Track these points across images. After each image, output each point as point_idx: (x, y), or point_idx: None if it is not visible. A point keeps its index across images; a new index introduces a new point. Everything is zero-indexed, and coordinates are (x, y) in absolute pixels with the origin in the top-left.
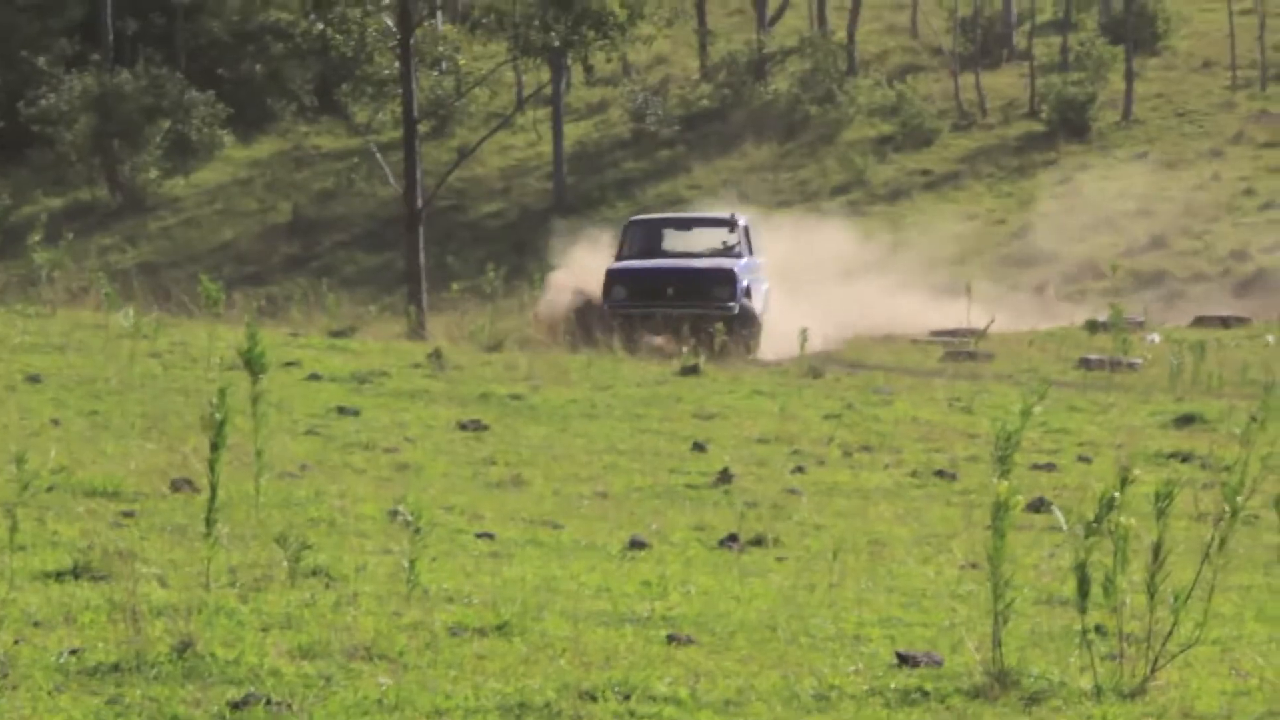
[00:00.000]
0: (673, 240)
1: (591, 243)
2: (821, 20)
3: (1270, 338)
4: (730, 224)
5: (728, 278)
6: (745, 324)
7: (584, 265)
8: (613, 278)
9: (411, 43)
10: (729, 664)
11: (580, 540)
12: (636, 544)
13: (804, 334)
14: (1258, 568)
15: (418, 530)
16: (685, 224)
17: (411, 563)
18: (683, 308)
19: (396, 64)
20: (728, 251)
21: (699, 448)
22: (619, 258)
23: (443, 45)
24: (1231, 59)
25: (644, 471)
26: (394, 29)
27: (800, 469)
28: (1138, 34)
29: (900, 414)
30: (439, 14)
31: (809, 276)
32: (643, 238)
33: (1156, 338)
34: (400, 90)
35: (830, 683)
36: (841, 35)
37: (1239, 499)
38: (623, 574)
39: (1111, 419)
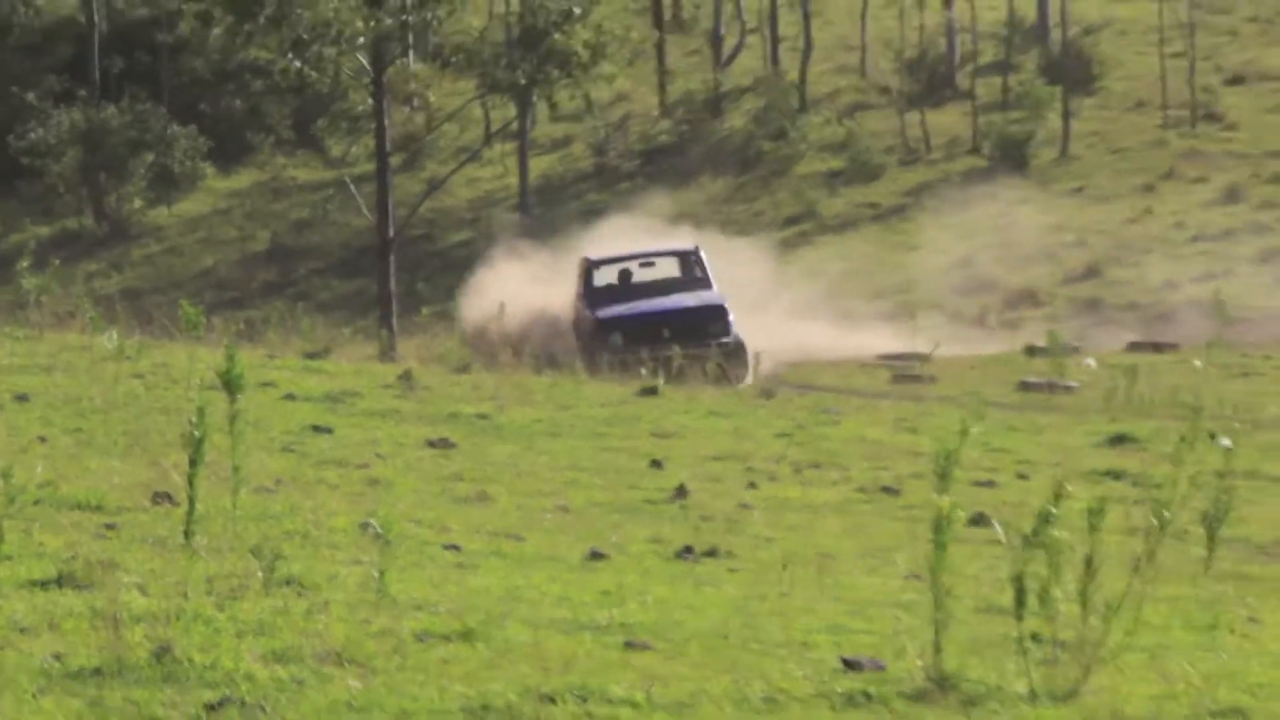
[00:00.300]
0: (639, 274)
1: (521, 259)
2: (775, 60)
3: (1198, 362)
4: (694, 255)
5: (720, 313)
6: (738, 354)
7: (507, 283)
8: (608, 325)
9: (384, 80)
10: (683, 669)
11: (542, 552)
12: (596, 555)
13: (758, 357)
14: (1185, 579)
15: (387, 542)
16: (648, 258)
17: (381, 573)
18: (684, 347)
19: (370, 100)
20: (697, 283)
21: (657, 465)
22: (586, 296)
23: (414, 83)
24: (1163, 99)
25: (604, 487)
26: (368, 67)
27: (753, 485)
28: (1075, 75)
29: (848, 433)
30: (411, 53)
31: (763, 303)
32: (609, 276)
33: (1092, 362)
34: (373, 125)
35: (779, 687)
36: (794, 75)
37: (1168, 514)
38: (582, 584)
39: (1048, 439)
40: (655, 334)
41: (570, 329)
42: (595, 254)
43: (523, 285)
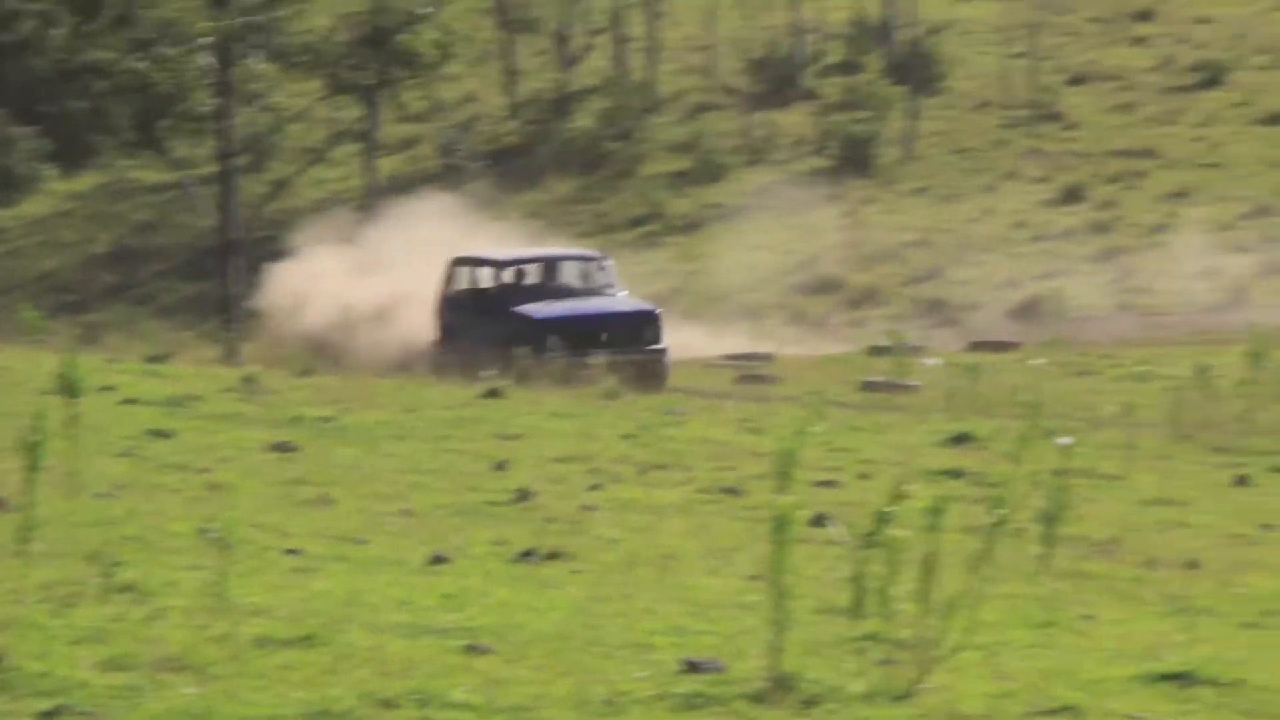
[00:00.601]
0: (544, 278)
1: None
2: (622, 61)
3: (1037, 361)
4: (600, 261)
5: (654, 319)
6: (666, 361)
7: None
8: (544, 327)
9: (229, 80)
10: (524, 672)
11: (384, 555)
12: (438, 559)
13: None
14: (1023, 578)
15: (227, 547)
16: (553, 262)
17: (220, 578)
18: (618, 352)
19: (215, 101)
20: (607, 288)
21: (501, 467)
22: (493, 297)
23: (260, 83)
24: (1006, 99)
25: (448, 490)
26: (213, 67)
27: (597, 486)
28: (919, 75)
29: (692, 434)
30: (256, 53)
31: None
32: (519, 278)
33: (934, 361)
34: (218, 126)
35: (620, 689)
36: (641, 75)
37: (1005, 513)
38: (424, 587)
39: (890, 438)
40: (594, 339)
41: (448, 326)
42: (497, 253)
43: (333, 281)
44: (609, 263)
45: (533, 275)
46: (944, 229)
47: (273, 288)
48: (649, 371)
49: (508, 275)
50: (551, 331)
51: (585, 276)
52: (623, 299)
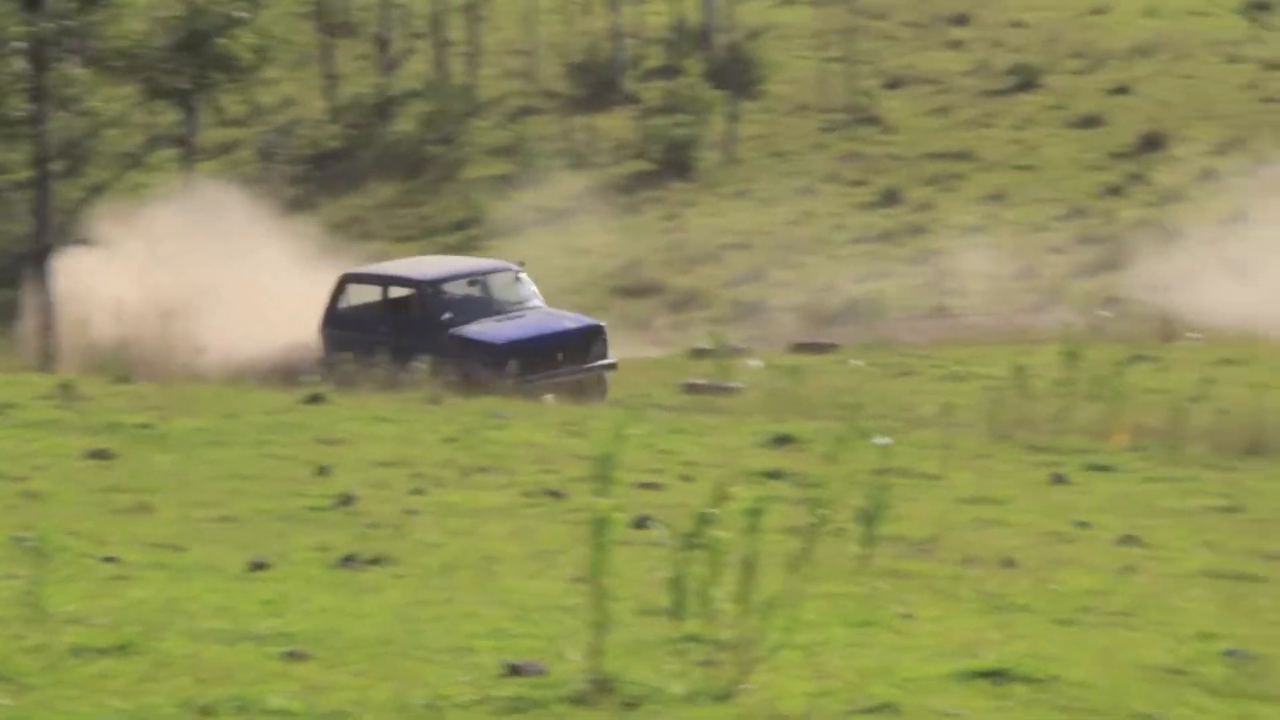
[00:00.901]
0: (475, 292)
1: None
2: (443, 65)
3: (857, 362)
4: (518, 273)
5: (601, 334)
6: (609, 375)
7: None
8: (507, 351)
9: (44, 85)
10: (344, 677)
11: (203, 562)
12: (258, 565)
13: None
14: (842, 577)
15: (42, 555)
16: (477, 275)
17: (36, 586)
18: (576, 370)
19: (30, 105)
20: (532, 300)
21: (323, 472)
22: (423, 316)
23: (75, 87)
24: (824, 103)
25: (268, 495)
26: (27, 71)
27: (419, 490)
28: (738, 79)
29: (515, 437)
30: (72, 57)
31: None
32: (447, 296)
33: (756, 363)
34: (33, 131)
35: (441, 693)
36: (462, 79)
37: (825, 513)
38: (244, 593)
39: (712, 440)
40: (553, 358)
41: (340, 344)
42: (417, 270)
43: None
44: (524, 274)
45: (457, 291)
46: (764, 232)
47: (66, 288)
48: (598, 387)
49: (432, 292)
50: (512, 356)
51: (506, 289)
52: (570, 315)
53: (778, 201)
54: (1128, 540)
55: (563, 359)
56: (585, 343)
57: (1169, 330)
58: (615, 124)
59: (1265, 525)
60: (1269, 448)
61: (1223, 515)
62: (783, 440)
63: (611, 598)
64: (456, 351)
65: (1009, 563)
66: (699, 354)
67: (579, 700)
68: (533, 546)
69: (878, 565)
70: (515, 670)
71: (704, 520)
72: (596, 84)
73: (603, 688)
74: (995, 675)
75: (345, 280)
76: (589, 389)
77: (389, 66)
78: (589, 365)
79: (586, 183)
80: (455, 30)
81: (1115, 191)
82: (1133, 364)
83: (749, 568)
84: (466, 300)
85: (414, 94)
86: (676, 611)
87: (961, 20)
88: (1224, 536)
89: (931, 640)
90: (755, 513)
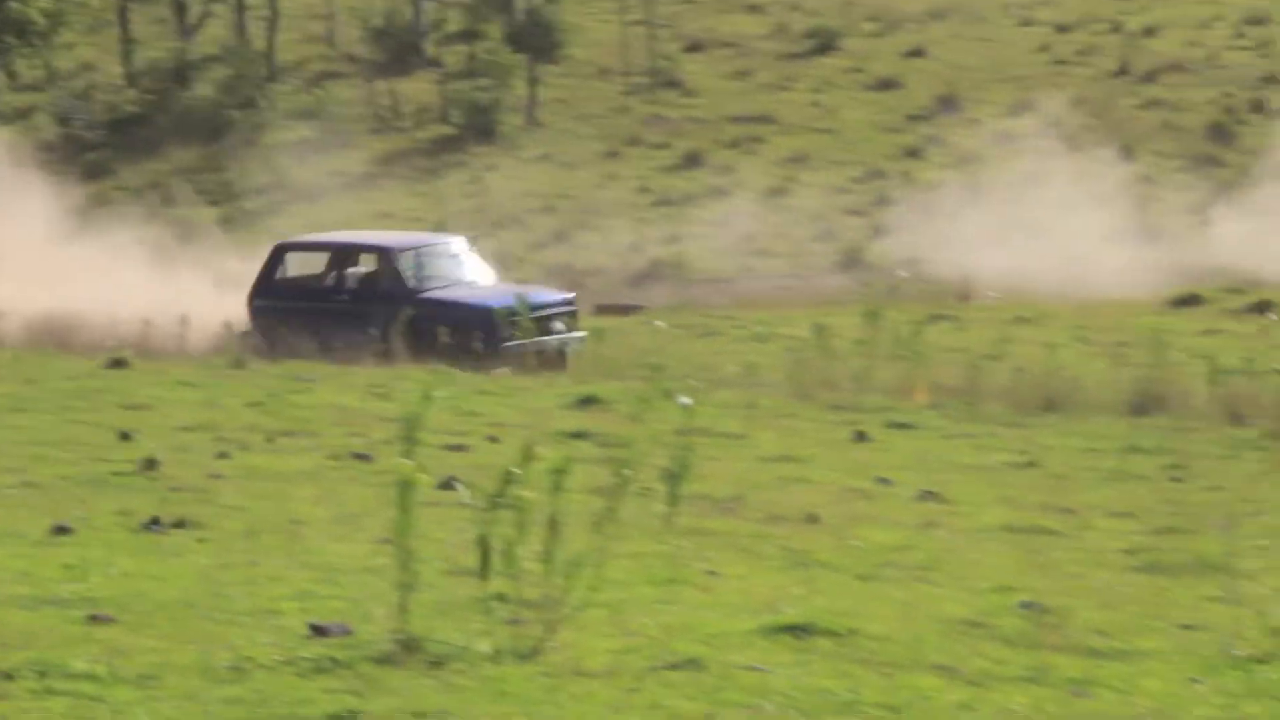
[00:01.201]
0: (443, 266)
1: None
2: (242, 30)
3: (660, 323)
4: (471, 244)
5: (572, 305)
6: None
7: None
8: (499, 316)
9: None
10: (148, 641)
11: (4, 528)
12: (60, 530)
13: (229, 327)
14: (647, 535)
15: None
16: (439, 244)
17: None
18: (557, 339)
19: None
20: (488, 274)
21: (126, 437)
22: (401, 288)
23: None
24: (626, 66)
25: (71, 461)
26: None
27: (224, 455)
28: (539, 43)
29: (320, 401)
30: None
31: (238, 274)
32: (419, 263)
33: (560, 325)
34: None
35: (245, 655)
36: (262, 44)
37: (629, 473)
38: (45, 559)
39: (519, 401)
40: (539, 326)
41: (279, 316)
42: (384, 238)
43: None
44: (474, 247)
45: (427, 258)
46: (568, 195)
47: None
48: (561, 359)
49: (403, 258)
50: (504, 322)
51: (466, 259)
52: (537, 287)
53: (581, 165)
54: (927, 496)
55: (545, 327)
56: (564, 312)
57: (966, 290)
58: (417, 88)
59: (1060, 480)
60: (1063, 404)
61: (1019, 471)
62: (588, 401)
63: (417, 558)
64: (436, 317)
65: (811, 519)
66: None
67: (385, 660)
68: (339, 509)
69: (682, 524)
70: (321, 631)
71: (509, 480)
72: (397, 48)
73: (409, 647)
74: (797, 630)
75: (282, 250)
76: (554, 361)
77: (187, 31)
78: (566, 335)
79: (389, 147)
80: None
81: (912, 153)
82: (931, 324)
83: (554, 527)
84: (435, 268)
85: (213, 58)
86: (482, 571)
87: None
88: (1020, 492)
89: (735, 597)
90: (560, 473)
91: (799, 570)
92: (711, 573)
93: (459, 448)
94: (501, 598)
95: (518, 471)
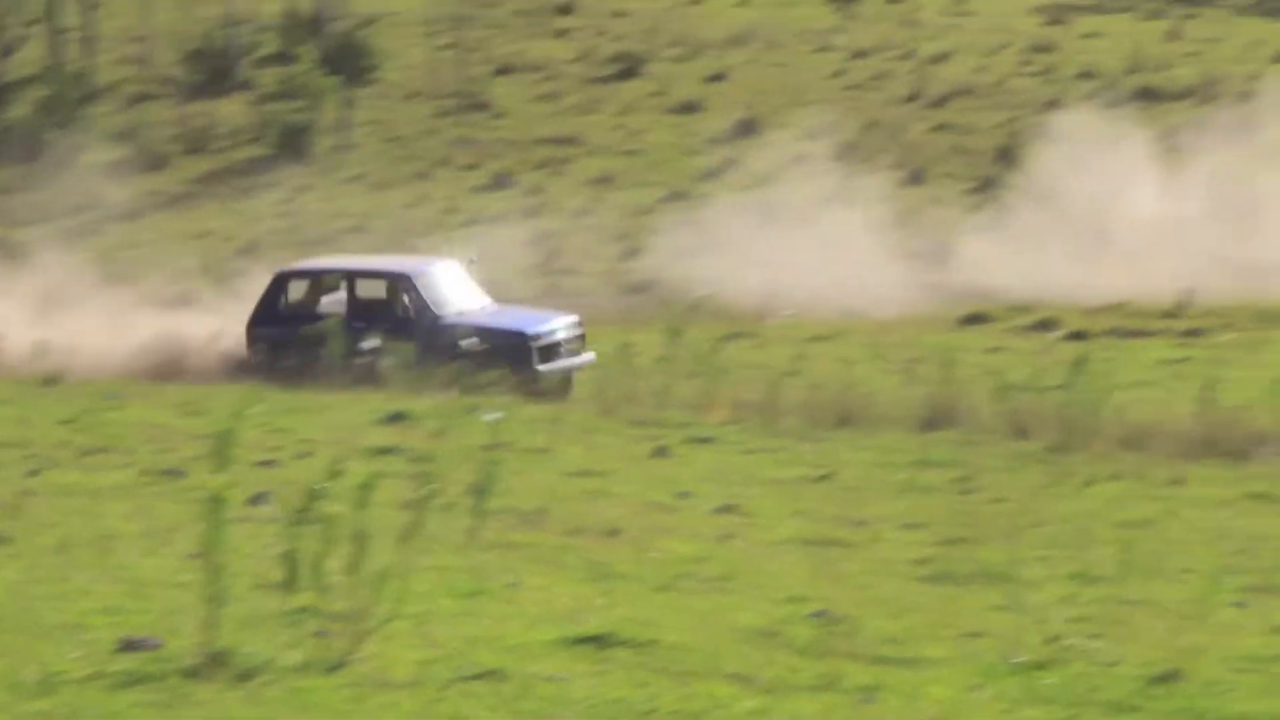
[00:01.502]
0: (456, 289)
1: None
2: (58, 51)
3: (471, 340)
4: (472, 264)
5: (582, 325)
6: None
7: None
8: (533, 339)
9: None
10: None
11: None
12: None
13: (42, 345)
14: (452, 549)
15: None
16: (451, 271)
17: None
18: (577, 362)
19: None
20: (484, 295)
21: None
22: (422, 313)
23: None
24: (436, 89)
25: None
26: None
27: (35, 472)
28: (351, 66)
29: (133, 418)
30: None
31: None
32: (437, 286)
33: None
34: None
35: (54, 669)
36: (78, 65)
37: (434, 487)
38: None
39: (329, 418)
40: (555, 350)
41: (280, 341)
42: (393, 263)
43: None
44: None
45: (444, 280)
46: (380, 215)
47: None
48: (567, 384)
49: (423, 282)
50: (539, 346)
51: (471, 282)
52: (555, 311)
53: (392, 185)
54: (726, 509)
55: (562, 351)
56: (576, 336)
57: (764, 309)
58: (232, 110)
59: (853, 493)
60: (857, 419)
61: (815, 484)
62: (397, 417)
63: (227, 573)
64: (467, 341)
65: (613, 532)
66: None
67: (193, 673)
68: (150, 524)
69: (487, 537)
70: (130, 645)
71: (315, 495)
72: (213, 70)
73: (217, 660)
74: (597, 640)
75: (285, 277)
76: (561, 386)
77: (4, 52)
78: (581, 358)
79: (204, 167)
80: (70, 16)
81: (713, 175)
82: (730, 341)
83: (360, 541)
84: (450, 291)
85: (30, 80)
86: (290, 585)
87: (567, 10)
88: (815, 504)
89: (537, 608)
90: (367, 488)
91: (600, 582)
92: (515, 585)
93: (270, 463)
94: (309, 611)
95: (325, 487)
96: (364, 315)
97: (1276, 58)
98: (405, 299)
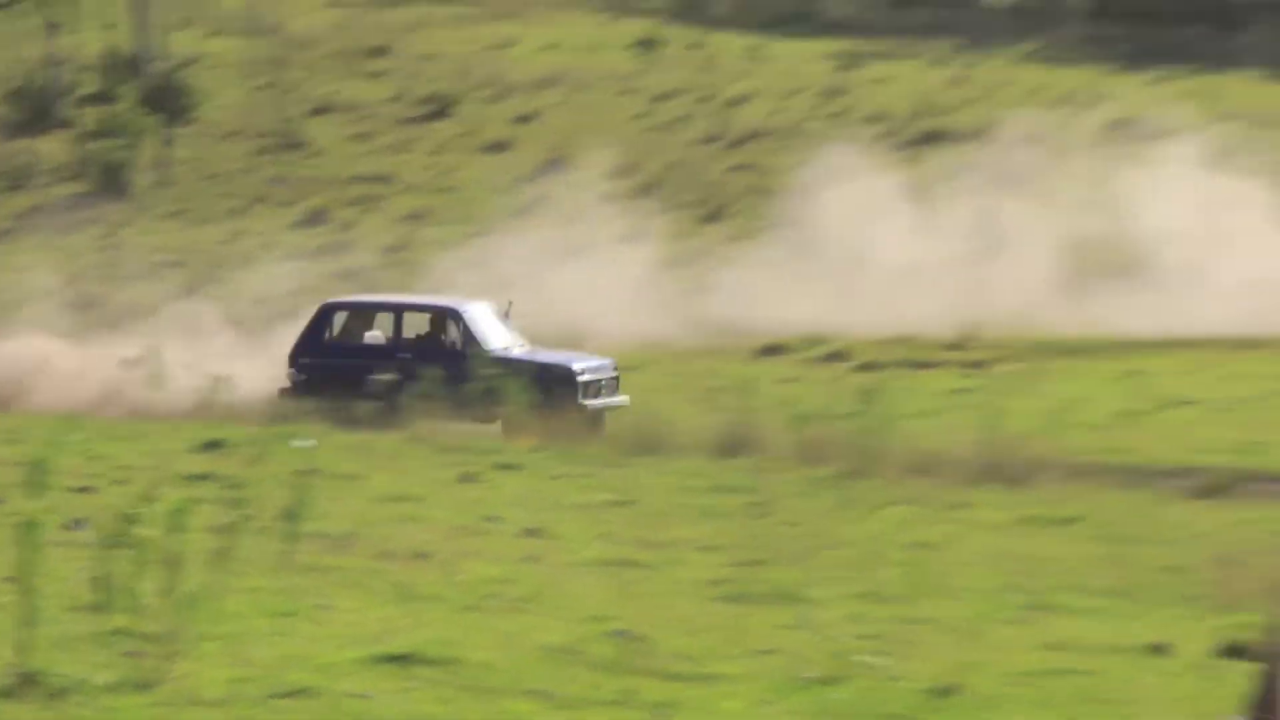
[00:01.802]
0: (496, 320)
1: None
2: None
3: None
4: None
5: (616, 369)
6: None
7: None
8: (579, 375)
9: None
10: None
11: None
12: None
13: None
14: (265, 572)
15: None
16: (492, 310)
17: None
18: (615, 401)
19: None
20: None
21: None
22: (466, 344)
23: None
24: (253, 129)
25: None
26: None
27: None
28: (171, 105)
29: None
30: None
31: None
32: (484, 323)
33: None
34: None
35: None
36: None
37: (246, 512)
38: None
39: (148, 445)
40: (596, 388)
41: (325, 375)
42: (440, 297)
43: None
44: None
45: (487, 317)
46: (198, 250)
47: None
48: (602, 421)
49: (469, 318)
50: (581, 381)
51: (507, 321)
52: (595, 355)
53: (210, 221)
54: (531, 533)
55: (602, 390)
56: (612, 378)
57: (573, 340)
58: (53, 147)
59: (654, 517)
60: (659, 446)
61: (617, 508)
62: (213, 445)
63: (40, 596)
64: (516, 376)
65: (421, 555)
66: (129, 364)
67: (6, 694)
68: None
69: (299, 560)
70: None
71: (129, 520)
72: (34, 109)
73: (29, 681)
74: (403, 659)
75: (330, 309)
76: (595, 423)
77: None
78: (617, 399)
79: (25, 204)
80: None
81: (522, 212)
82: None
83: (173, 564)
84: (493, 327)
85: None
86: (103, 607)
87: (381, 52)
88: (618, 528)
89: (346, 629)
90: (180, 512)
91: (407, 603)
92: (324, 606)
93: (87, 489)
94: (122, 632)
95: (139, 511)
96: (410, 349)
97: (1056, 102)
98: (453, 333)
